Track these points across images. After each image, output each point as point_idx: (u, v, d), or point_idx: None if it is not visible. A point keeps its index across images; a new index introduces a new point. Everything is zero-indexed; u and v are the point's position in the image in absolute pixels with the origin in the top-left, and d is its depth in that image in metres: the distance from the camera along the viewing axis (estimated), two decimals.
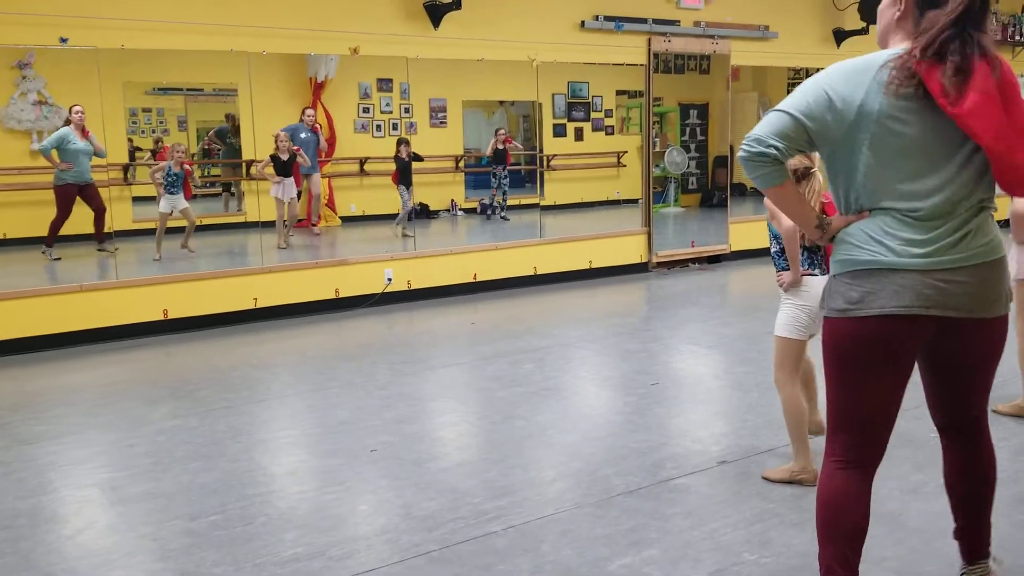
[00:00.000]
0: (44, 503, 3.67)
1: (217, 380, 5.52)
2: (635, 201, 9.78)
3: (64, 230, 7.79)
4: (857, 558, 2.37)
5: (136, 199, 8.72)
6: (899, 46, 2.26)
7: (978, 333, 2.31)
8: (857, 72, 2.23)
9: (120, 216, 7.92)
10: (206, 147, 9.76)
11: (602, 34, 8.81)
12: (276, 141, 8.85)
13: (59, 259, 7.73)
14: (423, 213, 10.66)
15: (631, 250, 9.34)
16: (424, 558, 3.10)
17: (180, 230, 8.55)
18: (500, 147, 10.84)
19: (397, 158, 9.67)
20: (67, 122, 7.58)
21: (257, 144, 8.14)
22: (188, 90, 9.74)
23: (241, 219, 9.31)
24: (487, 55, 8.20)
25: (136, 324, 6.72)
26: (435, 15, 7.81)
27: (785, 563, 3.00)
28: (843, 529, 2.37)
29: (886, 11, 2.38)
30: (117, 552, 3.22)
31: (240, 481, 3.84)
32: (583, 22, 8.67)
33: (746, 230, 10.13)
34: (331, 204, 10.10)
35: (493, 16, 8.12)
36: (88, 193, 7.85)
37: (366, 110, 10.12)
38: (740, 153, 2.28)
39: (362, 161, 10.12)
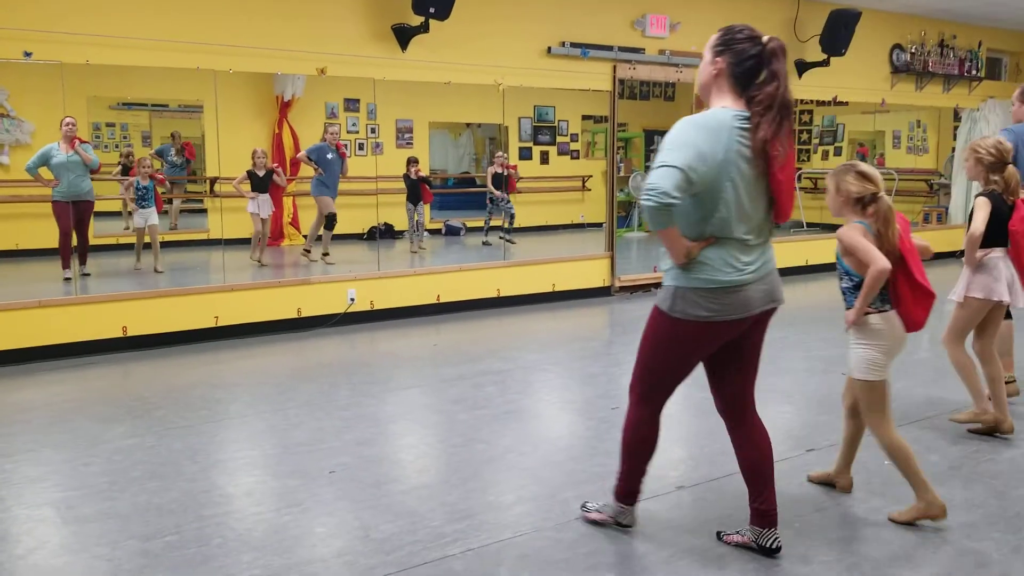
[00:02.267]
0: None
1: (176, 399, 5.47)
2: (599, 225, 9.87)
3: (31, 243, 7.61)
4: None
5: (96, 214, 8.62)
6: (722, 102, 2.94)
7: (766, 319, 3.14)
8: (714, 131, 2.83)
9: None
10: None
11: (568, 60, 8.92)
12: (253, 157, 8.85)
13: (70, 279, 7.40)
14: (387, 233, 10.65)
15: (594, 274, 9.41)
16: None
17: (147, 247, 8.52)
18: (499, 172, 10.73)
19: (405, 177, 9.92)
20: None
21: (222, 161, 8.10)
22: (153, 106, 9.70)
23: (204, 236, 9.25)
24: (454, 78, 8.26)
25: (94, 341, 6.63)
26: (403, 38, 7.85)
27: None
28: (650, 452, 3.33)
29: (706, 68, 3.00)
30: (70, 573, 3.18)
31: (197, 502, 3.80)
32: (549, 48, 8.77)
33: None
34: (295, 223, 10.07)
35: (460, 40, 8.19)
36: (80, 210, 7.58)
37: None
38: (647, 203, 2.77)
39: None
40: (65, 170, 7.42)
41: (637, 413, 3.28)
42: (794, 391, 5.62)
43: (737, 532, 3.38)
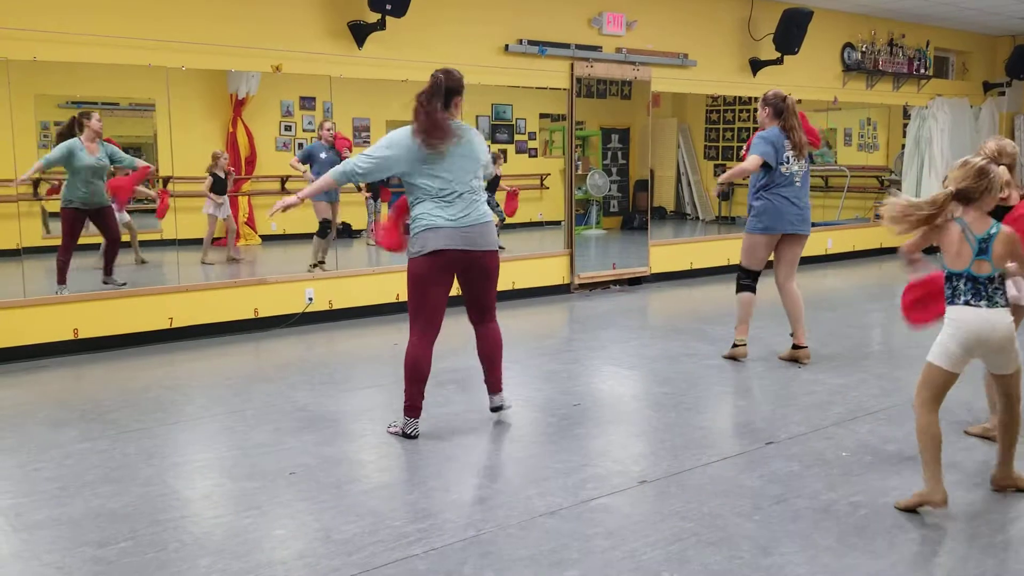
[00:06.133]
0: None
1: (129, 402, 5.36)
2: (558, 223, 9.88)
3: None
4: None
5: (50, 214, 8.42)
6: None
7: (483, 261, 4.54)
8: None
9: (30, 232, 7.63)
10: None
11: (526, 58, 8.92)
12: (214, 159, 8.73)
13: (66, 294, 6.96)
14: (346, 232, 10.56)
15: (553, 272, 9.42)
16: None
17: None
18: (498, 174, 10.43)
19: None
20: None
21: (175, 160, 7.96)
22: (104, 104, 9.48)
23: (158, 236, 9.08)
24: (411, 76, 8.19)
25: (45, 344, 6.48)
26: (359, 35, 7.79)
27: None
28: (422, 375, 4.51)
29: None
30: None
31: (152, 506, 3.73)
32: (507, 46, 8.76)
33: (666, 253, 10.33)
34: (251, 222, 9.94)
35: (417, 38, 8.14)
36: (100, 217, 7.08)
37: (288, 128, 10.01)
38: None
39: (283, 179, 9.98)
40: (90, 173, 6.92)
41: (410, 340, 4.53)
42: (751, 386, 5.67)
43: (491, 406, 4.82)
